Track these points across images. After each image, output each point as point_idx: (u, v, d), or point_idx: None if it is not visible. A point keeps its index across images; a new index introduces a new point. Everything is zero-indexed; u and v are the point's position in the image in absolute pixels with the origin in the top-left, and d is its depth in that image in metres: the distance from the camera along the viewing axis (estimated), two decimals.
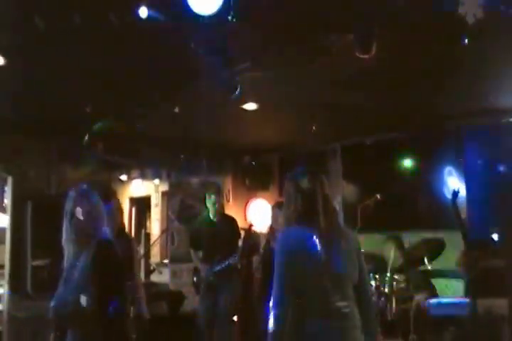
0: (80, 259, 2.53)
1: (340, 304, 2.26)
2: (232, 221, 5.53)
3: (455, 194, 3.96)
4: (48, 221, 5.31)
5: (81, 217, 2.56)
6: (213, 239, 5.26)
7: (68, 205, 2.61)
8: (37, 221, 5.30)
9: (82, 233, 2.56)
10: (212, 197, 5.39)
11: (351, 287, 2.32)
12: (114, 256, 2.55)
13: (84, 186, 2.69)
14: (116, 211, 4.05)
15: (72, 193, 2.63)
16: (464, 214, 5.28)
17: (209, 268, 5.18)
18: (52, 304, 2.61)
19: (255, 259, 6.10)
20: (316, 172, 2.47)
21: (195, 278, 5.41)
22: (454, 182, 5.76)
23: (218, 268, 5.14)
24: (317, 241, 2.28)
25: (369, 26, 3.38)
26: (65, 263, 2.63)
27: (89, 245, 2.53)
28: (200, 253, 5.36)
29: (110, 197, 6.14)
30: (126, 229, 8.47)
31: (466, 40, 3.40)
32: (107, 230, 2.64)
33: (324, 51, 3.70)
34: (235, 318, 5.53)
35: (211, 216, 5.40)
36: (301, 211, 2.37)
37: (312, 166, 2.59)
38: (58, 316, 2.53)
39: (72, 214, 2.57)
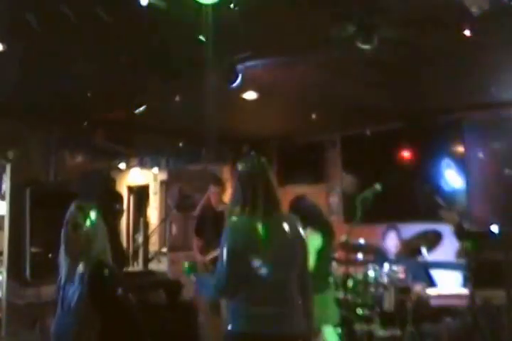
0: (74, 280, 2.43)
1: (280, 293, 2.31)
2: None
3: (451, 185, 3.95)
4: (46, 208, 5.32)
5: (74, 237, 2.43)
6: (214, 229, 5.27)
7: (66, 218, 2.48)
8: (35, 208, 5.30)
9: (74, 253, 2.44)
10: (214, 187, 5.41)
11: (293, 275, 2.35)
12: (109, 282, 2.43)
13: (84, 203, 2.55)
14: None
15: (72, 208, 2.49)
16: (461, 206, 5.31)
17: (205, 256, 5.20)
18: (52, 329, 2.52)
19: None
20: (257, 159, 2.47)
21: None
22: (451, 174, 5.78)
23: (211, 256, 5.15)
24: (258, 229, 2.29)
25: (370, 17, 3.36)
26: (60, 281, 2.53)
27: (84, 266, 2.41)
28: (201, 242, 5.37)
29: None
30: (125, 218, 8.46)
31: (469, 32, 3.38)
32: (104, 250, 2.50)
33: (325, 40, 3.68)
34: None
35: (215, 207, 5.42)
36: (242, 198, 2.38)
37: (256, 153, 2.64)
38: None
39: (67, 230, 2.44)
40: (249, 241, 2.32)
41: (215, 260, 5.19)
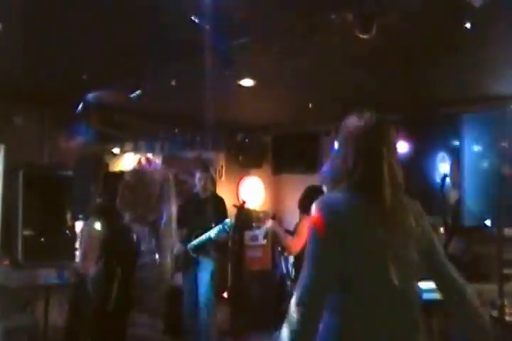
0: None
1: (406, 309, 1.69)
2: (220, 201, 5.51)
3: (443, 179, 3.97)
4: (39, 191, 5.30)
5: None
6: (198, 216, 5.24)
7: None
8: (28, 191, 5.27)
9: None
10: (200, 174, 5.39)
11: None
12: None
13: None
14: None
15: None
16: (452, 200, 5.32)
17: (186, 244, 5.17)
18: None
19: (247, 235, 6.10)
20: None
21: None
22: (445, 168, 5.79)
23: (195, 243, 5.13)
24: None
25: (369, 5, 3.33)
26: None
27: None
28: (184, 231, 5.30)
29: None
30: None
31: (469, 25, 3.36)
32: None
33: (324, 28, 3.65)
34: (225, 295, 5.57)
35: (200, 194, 5.39)
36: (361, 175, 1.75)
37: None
38: None
39: None
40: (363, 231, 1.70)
41: (201, 247, 5.19)
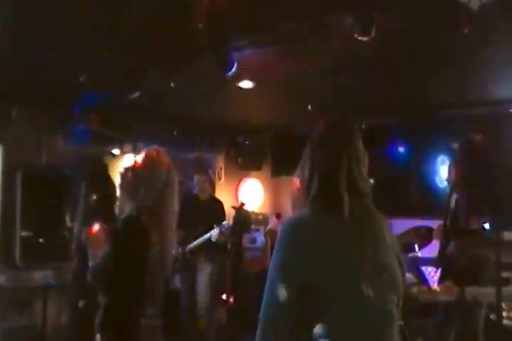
0: None
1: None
2: (218, 203, 5.52)
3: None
4: (37, 192, 5.29)
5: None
6: (197, 219, 5.23)
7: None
8: (26, 192, 5.26)
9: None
10: (199, 176, 5.40)
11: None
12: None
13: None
14: None
15: None
16: (453, 203, 5.32)
17: (184, 246, 5.17)
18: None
19: (245, 237, 6.10)
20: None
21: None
22: (446, 171, 5.78)
23: (193, 245, 5.13)
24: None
25: (369, 8, 3.33)
26: None
27: None
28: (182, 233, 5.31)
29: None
30: None
31: (468, 28, 3.36)
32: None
33: (323, 30, 3.65)
34: (223, 297, 5.56)
35: (199, 195, 5.39)
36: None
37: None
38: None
39: None
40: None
41: (199, 248, 5.18)
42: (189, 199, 5.47)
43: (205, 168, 5.80)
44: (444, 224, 4.06)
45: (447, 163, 5.78)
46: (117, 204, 2.59)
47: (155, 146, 2.56)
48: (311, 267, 1.51)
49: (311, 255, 1.51)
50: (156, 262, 2.35)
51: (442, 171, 5.83)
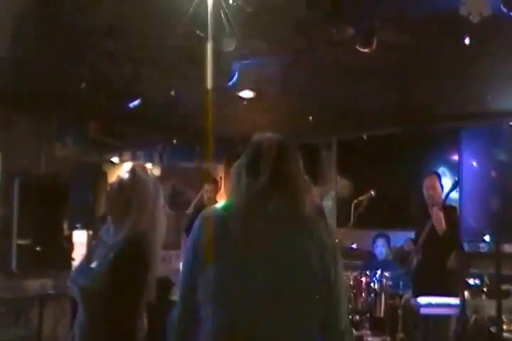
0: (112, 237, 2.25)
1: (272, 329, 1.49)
2: None
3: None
4: (35, 200, 5.25)
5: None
6: None
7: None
8: (24, 199, 5.22)
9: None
10: (207, 186, 5.40)
11: (305, 306, 1.53)
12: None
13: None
14: None
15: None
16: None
17: None
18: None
19: None
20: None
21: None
22: (447, 183, 5.76)
23: None
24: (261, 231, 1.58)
25: (370, 20, 3.34)
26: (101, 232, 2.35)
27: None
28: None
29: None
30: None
31: (468, 41, 3.37)
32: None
33: (325, 42, 3.66)
34: None
35: (207, 204, 5.38)
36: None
37: None
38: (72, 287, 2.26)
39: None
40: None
41: None
42: (199, 209, 5.46)
43: (214, 178, 5.78)
44: (417, 234, 4.07)
45: (447, 174, 5.78)
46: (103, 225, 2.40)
47: (139, 162, 2.42)
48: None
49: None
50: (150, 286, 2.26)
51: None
